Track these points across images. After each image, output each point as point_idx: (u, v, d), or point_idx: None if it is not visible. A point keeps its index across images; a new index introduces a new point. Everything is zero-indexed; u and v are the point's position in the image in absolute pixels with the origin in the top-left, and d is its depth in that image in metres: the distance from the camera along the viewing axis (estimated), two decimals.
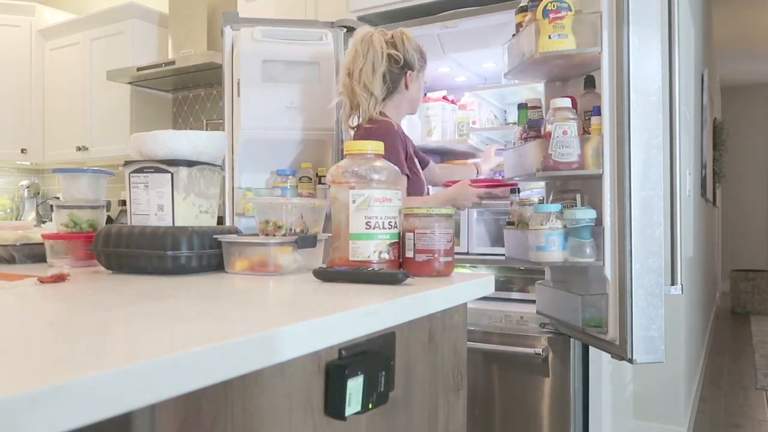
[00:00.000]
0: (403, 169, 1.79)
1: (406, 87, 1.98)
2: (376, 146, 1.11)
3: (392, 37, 1.95)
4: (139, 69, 3.72)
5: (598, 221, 1.51)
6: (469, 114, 2.66)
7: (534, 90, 2.30)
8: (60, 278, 0.97)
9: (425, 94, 2.84)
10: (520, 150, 1.75)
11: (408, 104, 2.02)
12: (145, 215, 1.08)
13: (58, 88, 4.33)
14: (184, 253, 1.04)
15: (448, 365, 1.02)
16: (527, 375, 1.77)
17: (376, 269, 1.00)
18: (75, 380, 0.41)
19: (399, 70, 1.94)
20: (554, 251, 1.55)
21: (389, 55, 1.92)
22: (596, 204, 1.57)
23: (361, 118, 1.95)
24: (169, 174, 1.07)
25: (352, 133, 2.02)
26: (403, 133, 1.97)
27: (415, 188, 1.91)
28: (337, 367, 0.71)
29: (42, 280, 0.96)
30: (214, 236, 1.10)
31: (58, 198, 1.29)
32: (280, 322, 0.62)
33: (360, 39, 1.95)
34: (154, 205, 1.08)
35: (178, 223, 1.09)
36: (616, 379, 2.10)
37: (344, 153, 1.12)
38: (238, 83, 2.37)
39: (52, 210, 1.26)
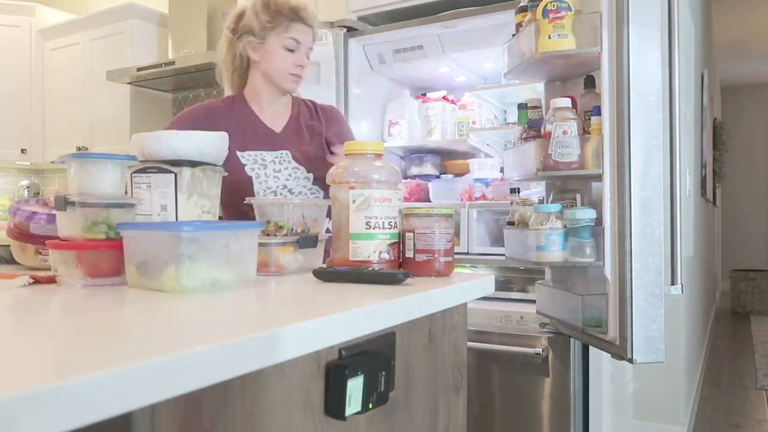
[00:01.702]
0: None
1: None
2: (376, 146, 1.11)
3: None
4: (139, 69, 3.72)
5: (598, 221, 1.52)
6: (469, 114, 2.67)
7: (534, 90, 2.30)
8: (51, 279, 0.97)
9: (425, 94, 2.85)
10: (520, 150, 1.75)
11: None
12: (148, 215, 1.08)
13: (58, 88, 4.33)
14: None
15: (448, 365, 1.02)
16: (527, 375, 1.77)
17: (376, 269, 1.00)
18: (75, 380, 0.41)
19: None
20: (554, 251, 1.55)
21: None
22: (596, 204, 1.57)
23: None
24: (173, 174, 1.07)
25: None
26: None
27: None
28: (337, 367, 0.71)
29: (36, 278, 0.96)
30: None
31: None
32: (281, 322, 0.62)
33: None
34: (157, 206, 1.08)
35: None
36: (616, 379, 2.10)
37: (344, 153, 1.12)
38: None
39: (64, 207, 0.97)
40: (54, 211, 1.04)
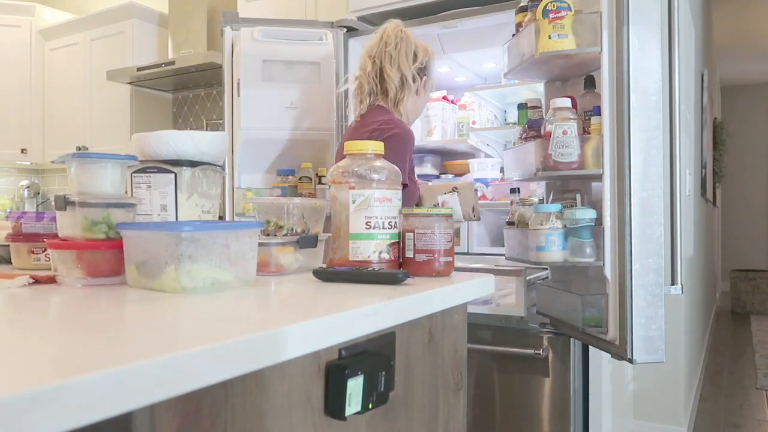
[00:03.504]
0: (404, 178, 1.75)
1: (417, 92, 1.90)
2: (376, 146, 1.11)
3: (425, 48, 1.94)
4: (139, 69, 3.72)
5: (598, 221, 1.52)
6: (469, 114, 2.67)
7: (534, 90, 2.30)
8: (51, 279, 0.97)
9: None
10: (520, 150, 1.75)
11: (413, 111, 1.94)
12: (148, 215, 1.08)
13: (58, 88, 4.33)
14: None
15: (448, 365, 1.02)
16: (527, 375, 1.77)
17: (376, 269, 1.00)
18: (75, 380, 0.41)
19: (418, 71, 1.88)
20: (554, 251, 1.55)
21: (415, 53, 1.88)
22: (596, 204, 1.57)
23: (388, 103, 1.86)
24: (173, 174, 1.07)
25: (355, 118, 1.92)
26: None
27: (409, 195, 1.86)
28: (337, 367, 0.71)
29: (36, 278, 0.96)
30: None
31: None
32: (281, 323, 0.62)
33: (393, 27, 1.91)
34: (157, 206, 1.08)
35: None
36: (616, 378, 2.10)
37: (344, 152, 1.12)
38: (238, 83, 2.38)
39: (64, 207, 0.97)
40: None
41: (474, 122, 2.64)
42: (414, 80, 1.86)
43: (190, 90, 4.22)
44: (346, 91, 2.54)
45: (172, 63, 3.62)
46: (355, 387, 0.72)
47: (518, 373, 1.79)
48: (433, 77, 1.96)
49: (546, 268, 1.86)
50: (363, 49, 1.98)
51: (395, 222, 1.09)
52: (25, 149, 4.40)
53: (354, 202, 1.07)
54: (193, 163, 1.09)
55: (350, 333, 0.71)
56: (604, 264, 1.47)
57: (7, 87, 4.33)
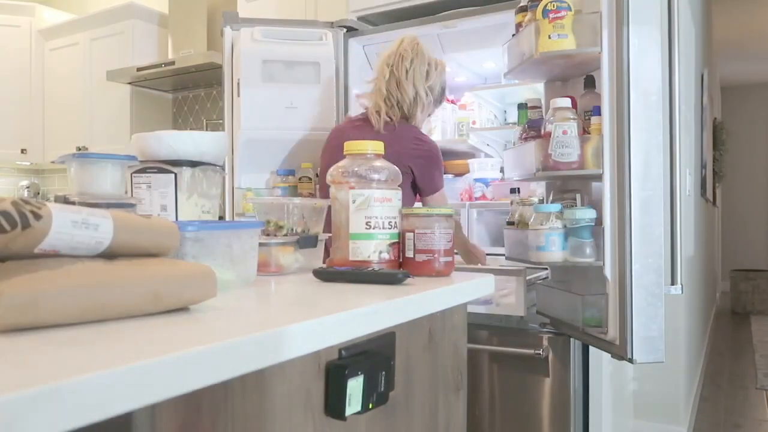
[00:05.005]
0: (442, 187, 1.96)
1: (426, 107, 1.99)
2: (376, 146, 1.11)
3: (436, 62, 2.01)
4: (139, 69, 3.72)
5: (598, 221, 1.51)
6: (469, 114, 2.66)
7: (534, 90, 2.30)
8: None
9: None
10: (520, 150, 1.75)
11: (421, 120, 2.02)
12: (148, 215, 1.08)
13: (58, 88, 4.33)
14: None
15: (448, 365, 1.02)
16: (527, 375, 1.77)
17: (376, 269, 1.00)
18: (75, 380, 0.41)
19: (429, 88, 1.97)
20: (554, 251, 1.55)
21: (428, 71, 1.97)
22: (596, 204, 1.57)
23: (404, 118, 1.95)
24: (173, 174, 1.07)
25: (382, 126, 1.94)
26: None
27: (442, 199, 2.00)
28: (337, 367, 0.71)
29: None
30: None
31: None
32: (281, 322, 0.62)
33: (410, 41, 1.99)
34: (157, 206, 1.08)
35: None
36: (616, 378, 2.10)
37: (344, 152, 1.12)
38: (238, 83, 2.38)
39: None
40: None
41: (474, 122, 2.64)
42: (426, 94, 1.95)
43: (190, 90, 4.22)
44: (347, 91, 2.54)
45: (172, 63, 3.62)
46: (355, 387, 0.72)
47: (518, 373, 1.79)
48: (439, 93, 2.04)
49: (546, 268, 1.86)
50: (380, 56, 2.06)
51: (395, 222, 1.09)
52: (25, 149, 4.40)
53: (354, 202, 1.07)
54: (193, 164, 1.09)
55: (350, 333, 0.71)
56: (604, 264, 1.47)
57: (7, 87, 4.33)
